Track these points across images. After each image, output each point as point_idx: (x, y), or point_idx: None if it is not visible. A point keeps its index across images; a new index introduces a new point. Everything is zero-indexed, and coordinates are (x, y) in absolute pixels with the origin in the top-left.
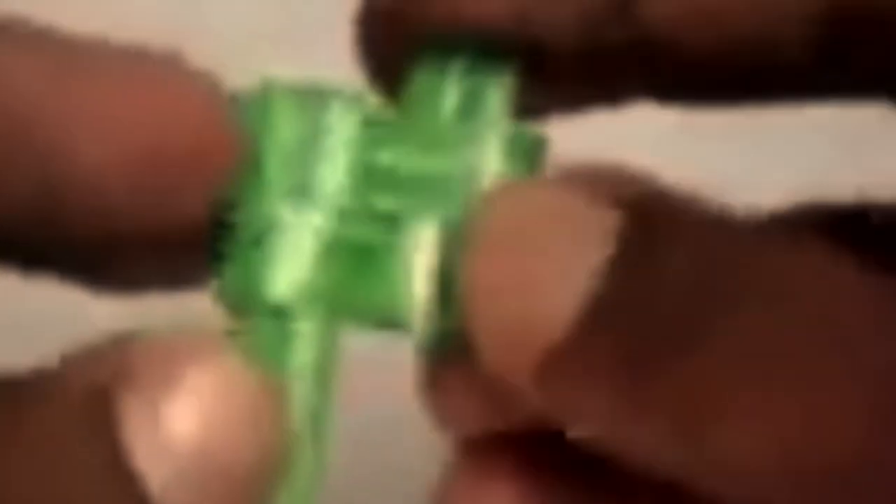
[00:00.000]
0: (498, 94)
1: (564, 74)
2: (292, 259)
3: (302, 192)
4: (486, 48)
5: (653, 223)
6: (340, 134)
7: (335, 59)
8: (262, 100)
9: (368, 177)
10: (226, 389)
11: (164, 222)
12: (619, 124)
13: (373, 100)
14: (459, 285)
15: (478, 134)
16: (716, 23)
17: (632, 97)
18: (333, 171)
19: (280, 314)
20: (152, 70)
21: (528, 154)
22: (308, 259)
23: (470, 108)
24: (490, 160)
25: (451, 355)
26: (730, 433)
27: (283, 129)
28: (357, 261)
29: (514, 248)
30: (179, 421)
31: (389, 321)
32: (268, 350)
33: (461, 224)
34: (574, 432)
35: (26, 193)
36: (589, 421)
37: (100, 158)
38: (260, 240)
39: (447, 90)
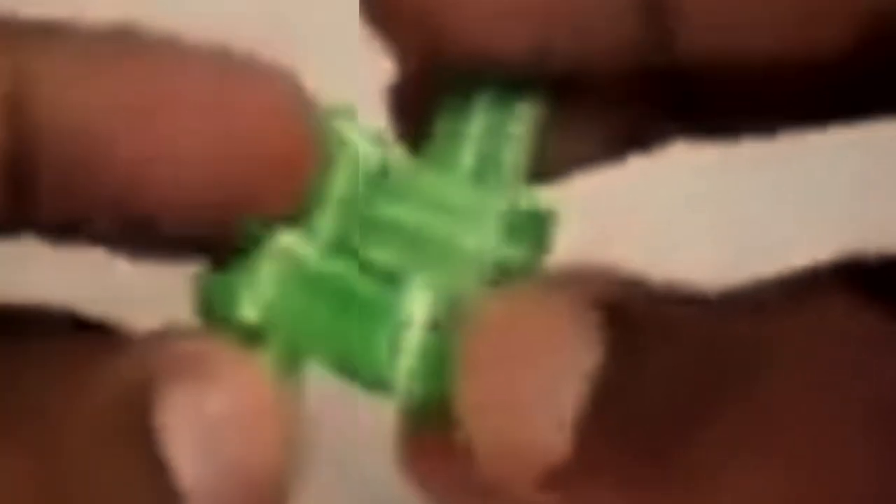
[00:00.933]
0: (519, 142)
1: (595, 110)
2: (273, 283)
3: (303, 223)
4: (512, 87)
5: (634, 329)
6: (355, 174)
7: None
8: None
9: (372, 225)
10: (260, 390)
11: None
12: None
13: (389, 139)
14: (448, 360)
15: (488, 204)
16: (756, 49)
17: (662, 137)
18: (337, 211)
19: (249, 335)
20: (238, 76)
21: (535, 230)
22: (288, 288)
23: (490, 160)
24: (494, 236)
25: (433, 424)
26: None
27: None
28: (343, 305)
29: (502, 366)
30: (218, 416)
31: (365, 376)
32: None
33: (457, 297)
34: None
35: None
36: None
37: (188, 170)
38: (248, 258)
39: (467, 140)
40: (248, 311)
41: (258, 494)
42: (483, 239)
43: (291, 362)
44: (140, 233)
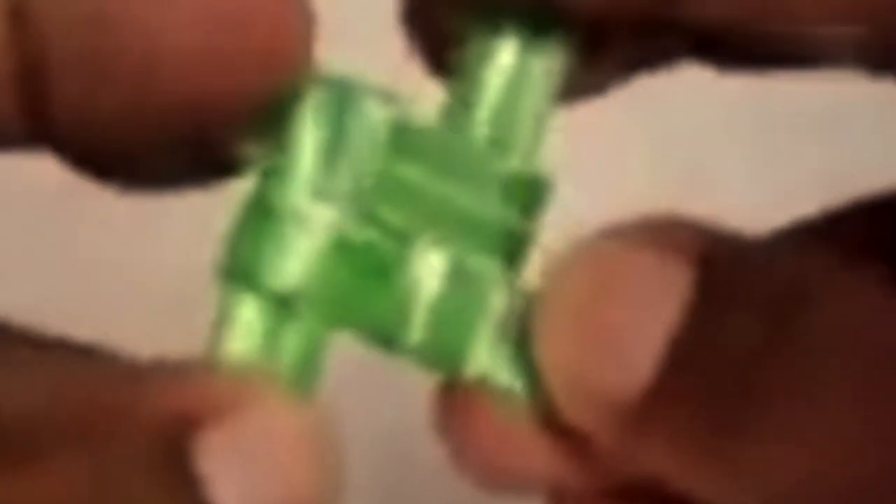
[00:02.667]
0: (541, 92)
1: (613, 47)
2: (301, 251)
3: (324, 186)
4: (535, 21)
5: (719, 277)
6: (370, 136)
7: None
8: (300, 89)
9: (390, 186)
10: (297, 425)
11: (222, 95)
12: None
13: (409, 101)
14: (459, 321)
15: (497, 169)
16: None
17: (679, 60)
18: (357, 173)
19: (278, 302)
20: None
21: (533, 196)
22: (316, 255)
23: (508, 116)
24: (498, 203)
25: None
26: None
27: (316, 122)
28: (362, 267)
29: (592, 310)
30: (266, 462)
31: (383, 336)
32: (255, 335)
33: (468, 262)
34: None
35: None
36: (669, 475)
37: (164, 20)
38: (275, 225)
39: (486, 92)
40: (283, 279)
41: None
42: (489, 205)
43: (321, 332)
44: (149, 140)
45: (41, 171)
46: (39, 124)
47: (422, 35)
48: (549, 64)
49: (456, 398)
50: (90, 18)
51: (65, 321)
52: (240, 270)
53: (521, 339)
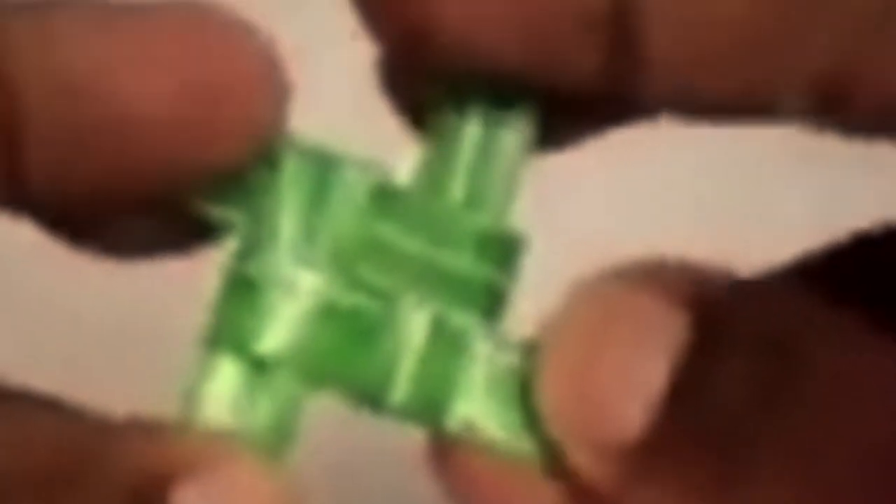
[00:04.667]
0: (511, 159)
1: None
2: (285, 317)
3: (305, 252)
4: (504, 93)
5: (712, 323)
6: (348, 200)
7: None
8: (277, 157)
9: (371, 249)
10: (272, 497)
11: (197, 163)
12: None
13: (385, 169)
14: (443, 381)
15: (474, 227)
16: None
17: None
18: (337, 238)
19: (260, 368)
20: (188, 15)
21: (507, 253)
22: (300, 320)
23: (481, 180)
24: (476, 260)
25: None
26: None
27: (295, 188)
28: (347, 330)
29: (589, 355)
30: None
31: (367, 396)
32: (231, 397)
33: (449, 318)
34: None
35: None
36: None
37: (139, 91)
38: (257, 293)
39: (458, 161)
40: (267, 345)
41: None
42: (467, 262)
43: (299, 392)
44: (124, 207)
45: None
46: (15, 189)
47: (399, 102)
48: (516, 130)
49: (446, 446)
50: (66, 89)
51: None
52: (223, 338)
53: (521, 387)
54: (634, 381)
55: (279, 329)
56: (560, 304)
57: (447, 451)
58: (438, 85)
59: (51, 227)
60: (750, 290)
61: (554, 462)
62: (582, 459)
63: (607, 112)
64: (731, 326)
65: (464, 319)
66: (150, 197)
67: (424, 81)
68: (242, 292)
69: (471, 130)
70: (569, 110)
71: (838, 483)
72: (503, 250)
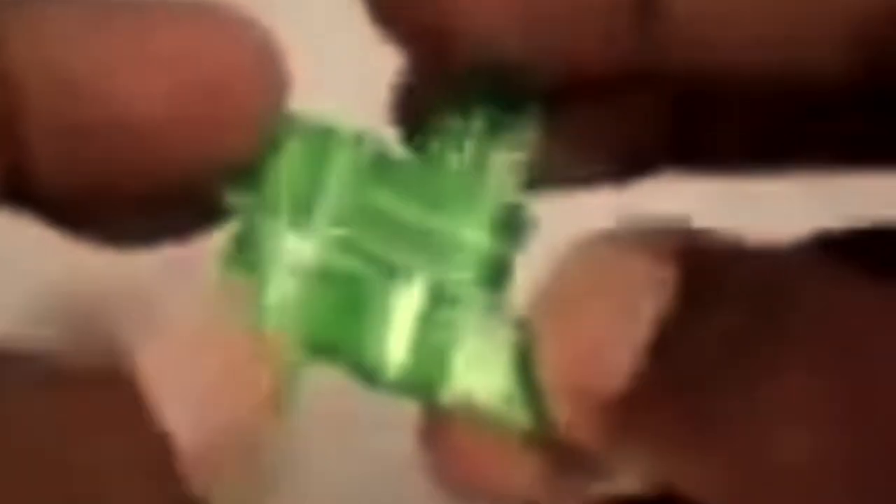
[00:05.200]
0: (515, 151)
1: (589, 127)
2: (280, 284)
3: (302, 219)
4: (509, 102)
5: (699, 276)
6: (346, 169)
7: None
8: (276, 133)
9: (369, 217)
10: (232, 352)
11: (198, 158)
12: None
13: (383, 139)
14: (440, 351)
15: (478, 198)
16: (746, 67)
17: (656, 165)
18: (336, 206)
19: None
20: (185, 11)
21: (516, 229)
22: (297, 287)
23: (485, 162)
24: (484, 231)
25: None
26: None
27: (293, 158)
28: (343, 298)
29: (579, 311)
30: (206, 379)
31: (364, 367)
32: None
33: (448, 289)
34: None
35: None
36: (658, 476)
37: (137, 92)
38: (254, 258)
39: (464, 136)
40: (260, 316)
41: (248, 452)
42: (468, 232)
43: (300, 361)
44: (126, 199)
45: None
46: (17, 183)
47: (408, 126)
48: (522, 121)
49: (439, 420)
50: (64, 88)
51: None
52: (222, 304)
53: (517, 357)
54: (620, 335)
55: (275, 296)
56: (553, 266)
57: (440, 426)
58: (453, 89)
59: (53, 220)
60: (739, 250)
61: (545, 430)
62: (573, 416)
63: (631, 96)
64: (715, 280)
65: (463, 291)
66: (152, 191)
67: (442, 89)
68: (242, 262)
69: (476, 123)
70: (590, 97)
71: (826, 421)
72: (506, 221)
